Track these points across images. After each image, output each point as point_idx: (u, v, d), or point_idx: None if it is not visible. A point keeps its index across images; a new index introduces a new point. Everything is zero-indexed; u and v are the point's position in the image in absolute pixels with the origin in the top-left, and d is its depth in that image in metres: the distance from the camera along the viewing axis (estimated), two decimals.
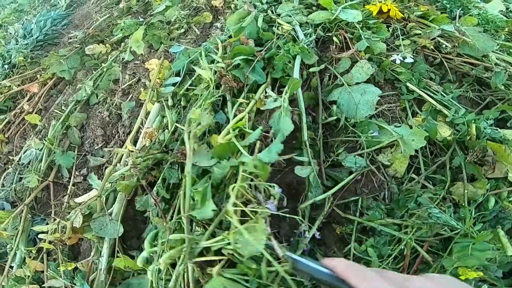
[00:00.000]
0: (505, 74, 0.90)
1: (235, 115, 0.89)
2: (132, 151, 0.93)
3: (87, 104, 1.24)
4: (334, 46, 0.99)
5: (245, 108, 0.89)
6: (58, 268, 0.95)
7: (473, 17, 1.07)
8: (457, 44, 0.96)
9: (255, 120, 0.90)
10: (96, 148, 1.15)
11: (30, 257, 1.01)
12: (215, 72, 0.96)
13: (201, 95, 0.94)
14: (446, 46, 0.96)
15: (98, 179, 1.04)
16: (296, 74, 0.94)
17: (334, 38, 1.00)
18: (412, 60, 0.92)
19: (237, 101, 0.91)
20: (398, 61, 0.93)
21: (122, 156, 1.03)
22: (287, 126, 0.79)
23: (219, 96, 0.93)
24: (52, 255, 1.02)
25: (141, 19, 1.36)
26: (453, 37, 0.98)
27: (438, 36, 0.96)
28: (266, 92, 0.94)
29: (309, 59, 0.98)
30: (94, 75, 1.24)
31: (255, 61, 0.94)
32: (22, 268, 1.00)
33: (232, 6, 1.28)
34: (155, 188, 0.88)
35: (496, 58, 0.92)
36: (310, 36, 1.02)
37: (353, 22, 1.02)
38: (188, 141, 0.81)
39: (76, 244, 0.99)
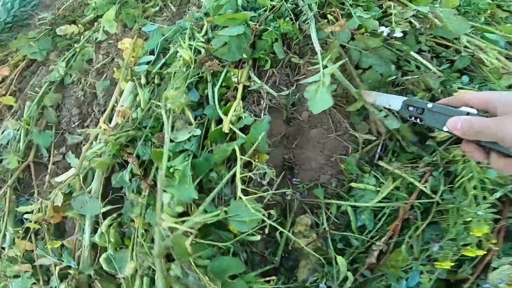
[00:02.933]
0: (469, 59, 0.92)
1: (221, 97, 0.90)
2: (106, 129, 0.94)
3: (62, 84, 1.23)
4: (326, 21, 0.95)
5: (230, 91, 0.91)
6: (46, 247, 0.98)
7: None
8: (428, 26, 0.97)
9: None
10: (73, 126, 1.15)
11: (18, 237, 1.03)
12: (196, 51, 0.96)
13: (175, 73, 0.95)
14: (417, 26, 0.97)
15: (76, 157, 1.05)
16: (280, 54, 0.93)
17: (329, 16, 0.97)
18: (401, 34, 0.91)
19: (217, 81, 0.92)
20: (385, 33, 0.91)
21: (98, 134, 1.03)
22: (326, 102, 0.74)
23: (198, 76, 0.93)
24: (39, 234, 1.05)
25: None
26: (427, 18, 0.99)
27: (412, 16, 0.96)
28: (249, 77, 0.94)
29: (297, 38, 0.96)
30: (66, 56, 1.22)
31: (252, 35, 0.91)
32: (12, 248, 1.02)
33: None
34: (129, 166, 0.89)
35: (467, 41, 0.94)
36: (310, 11, 0.96)
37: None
38: (165, 118, 0.82)
39: (61, 222, 1.02)
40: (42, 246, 1.01)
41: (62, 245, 0.98)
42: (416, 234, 0.76)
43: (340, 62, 0.79)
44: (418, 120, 0.61)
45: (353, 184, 0.83)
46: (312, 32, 0.91)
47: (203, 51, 0.93)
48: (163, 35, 1.06)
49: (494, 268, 0.75)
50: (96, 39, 1.24)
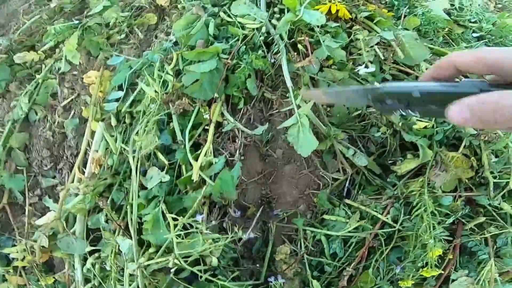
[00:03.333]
0: None
1: (192, 137, 0.90)
2: (82, 179, 0.93)
3: (27, 121, 1.17)
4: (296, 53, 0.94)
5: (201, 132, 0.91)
6: (39, 282, 1.02)
7: (417, 18, 1.09)
8: (392, 54, 0.99)
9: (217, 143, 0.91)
10: (45, 169, 1.12)
11: (8, 274, 1.05)
12: (165, 86, 0.94)
13: (144, 112, 0.93)
14: (381, 55, 0.98)
15: (54, 200, 1.06)
16: (253, 91, 0.93)
17: (299, 46, 0.95)
18: (373, 69, 0.91)
19: (184, 121, 0.91)
20: (362, 72, 0.91)
21: (74, 179, 1.02)
22: (311, 143, 0.77)
23: (165, 114, 0.92)
24: (29, 270, 1.06)
25: (76, 22, 1.26)
26: (391, 45, 1.00)
27: (376, 44, 0.97)
28: (222, 114, 0.93)
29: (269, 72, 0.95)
30: (28, 89, 1.16)
31: (224, 70, 0.90)
32: (5, 282, 1.05)
33: (179, 6, 1.20)
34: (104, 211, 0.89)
35: (426, 68, 0.96)
36: (281, 41, 0.93)
37: (314, 26, 0.94)
38: (133, 163, 0.82)
39: (49, 258, 1.04)
40: (34, 281, 1.04)
41: (55, 280, 1.02)
42: (381, 258, 0.86)
43: (311, 103, 0.81)
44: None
45: (325, 216, 0.90)
46: (284, 67, 0.91)
47: (170, 86, 0.91)
48: (131, 68, 1.03)
49: (453, 280, 0.86)
50: (59, 69, 1.18)
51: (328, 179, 0.90)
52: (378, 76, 0.98)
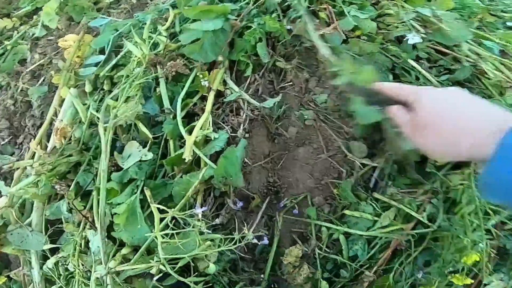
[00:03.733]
0: (471, 69, 0.82)
1: (184, 106, 0.72)
2: (41, 156, 0.72)
3: None
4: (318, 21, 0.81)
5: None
6: None
7: (450, 0, 0.97)
8: (430, 31, 0.85)
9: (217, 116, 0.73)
10: (2, 144, 0.91)
11: None
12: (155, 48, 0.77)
13: (127, 77, 0.74)
14: (419, 31, 0.85)
15: (8, 183, 0.83)
16: (264, 57, 0.76)
17: (321, 13, 0.83)
18: (421, 40, 0.80)
19: (177, 87, 0.73)
20: (411, 42, 0.79)
21: (33, 155, 0.81)
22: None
23: (151, 79, 0.74)
24: None
25: None
26: (428, 22, 0.87)
27: (411, 19, 0.84)
28: (225, 82, 0.76)
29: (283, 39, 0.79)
30: None
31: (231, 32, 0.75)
32: None
33: None
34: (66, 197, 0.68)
35: (469, 50, 0.83)
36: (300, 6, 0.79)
37: None
38: (103, 136, 0.63)
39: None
40: None
41: (9, 278, 0.86)
42: (408, 261, 0.72)
43: None
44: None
45: (347, 212, 0.72)
46: (311, 32, 0.75)
47: (161, 47, 0.74)
48: (117, 30, 0.86)
49: (485, 285, 0.75)
50: (33, 35, 1.01)
51: (353, 166, 0.72)
52: (411, 53, 0.84)
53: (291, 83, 0.78)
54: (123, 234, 0.63)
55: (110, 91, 0.80)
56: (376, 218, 0.70)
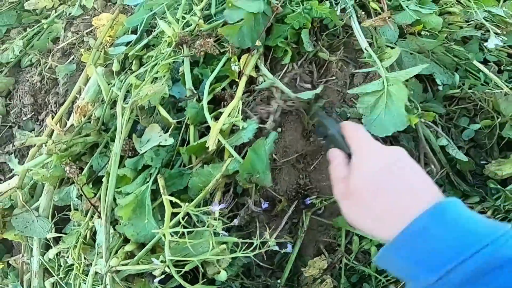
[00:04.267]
0: None
1: (212, 91, 0.65)
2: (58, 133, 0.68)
3: (18, 67, 0.97)
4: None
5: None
6: None
7: None
8: (502, 32, 0.74)
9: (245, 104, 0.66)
10: (24, 119, 0.90)
11: None
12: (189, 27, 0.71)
13: (157, 57, 0.69)
14: (493, 32, 0.73)
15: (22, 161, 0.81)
16: (308, 45, 0.68)
17: (372, 4, 0.74)
18: (501, 43, 0.70)
19: (206, 69, 0.66)
20: (492, 45, 0.70)
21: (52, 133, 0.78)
22: (395, 120, 0.54)
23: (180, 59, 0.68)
24: None
25: None
26: (500, 23, 0.77)
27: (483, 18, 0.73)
28: (258, 68, 0.68)
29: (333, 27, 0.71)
30: (28, 33, 0.97)
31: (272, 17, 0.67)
32: None
33: None
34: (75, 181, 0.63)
35: None
36: None
37: None
38: (120, 116, 0.57)
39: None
40: None
41: (8, 265, 0.83)
42: None
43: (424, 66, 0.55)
44: None
45: None
46: (354, 22, 0.66)
47: (192, 27, 0.68)
48: (151, 10, 0.81)
49: None
50: (69, 14, 0.99)
51: None
52: (478, 54, 0.73)
53: (334, 77, 0.69)
54: (127, 229, 0.57)
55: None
56: None
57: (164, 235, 0.50)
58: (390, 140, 0.63)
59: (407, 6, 0.74)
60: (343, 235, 0.63)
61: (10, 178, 0.84)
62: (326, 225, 0.66)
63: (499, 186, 0.61)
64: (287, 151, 0.63)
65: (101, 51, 0.84)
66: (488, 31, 0.72)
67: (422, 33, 0.72)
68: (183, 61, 0.68)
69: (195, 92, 0.61)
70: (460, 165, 0.64)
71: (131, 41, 0.80)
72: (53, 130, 0.76)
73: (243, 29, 0.64)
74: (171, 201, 0.54)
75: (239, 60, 0.67)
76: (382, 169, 0.38)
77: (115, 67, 0.76)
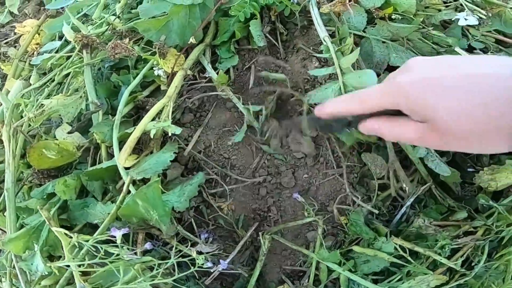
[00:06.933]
0: None
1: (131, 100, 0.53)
2: None
3: None
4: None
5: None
6: None
7: None
8: (488, 14, 0.64)
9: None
10: None
11: None
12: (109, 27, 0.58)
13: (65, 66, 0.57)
14: (475, 11, 0.63)
15: None
16: (259, 40, 0.57)
17: None
18: (476, 23, 0.61)
19: (127, 76, 0.54)
20: (462, 23, 0.61)
21: None
22: None
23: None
24: None
25: None
26: (486, 3, 0.67)
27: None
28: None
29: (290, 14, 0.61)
30: None
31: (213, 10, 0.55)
32: None
33: None
34: None
35: None
36: None
37: None
38: (7, 141, 0.45)
39: None
40: None
41: None
42: None
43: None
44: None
45: (356, 248, 0.53)
46: (313, 8, 0.55)
47: (103, 27, 0.56)
48: (78, 13, 0.69)
49: None
50: None
51: (369, 188, 0.52)
52: (462, 40, 0.62)
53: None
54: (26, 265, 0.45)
55: (60, 83, 0.63)
56: (394, 260, 0.49)
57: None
58: (358, 150, 0.52)
59: None
60: (314, 262, 0.52)
61: None
62: (291, 250, 0.55)
63: (491, 202, 0.51)
64: (241, 168, 0.51)
65: (26, 62, 0.71)
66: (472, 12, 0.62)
67: (394, 17, 0.61)
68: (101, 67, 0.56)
69: (99, 104, 0.49)
70: (449, 177, 0.52)
71: (56, 48, 0.67)
72: None
73: (171, 24, 0.52)
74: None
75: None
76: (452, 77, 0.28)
77: (33, 79, 0.63)
